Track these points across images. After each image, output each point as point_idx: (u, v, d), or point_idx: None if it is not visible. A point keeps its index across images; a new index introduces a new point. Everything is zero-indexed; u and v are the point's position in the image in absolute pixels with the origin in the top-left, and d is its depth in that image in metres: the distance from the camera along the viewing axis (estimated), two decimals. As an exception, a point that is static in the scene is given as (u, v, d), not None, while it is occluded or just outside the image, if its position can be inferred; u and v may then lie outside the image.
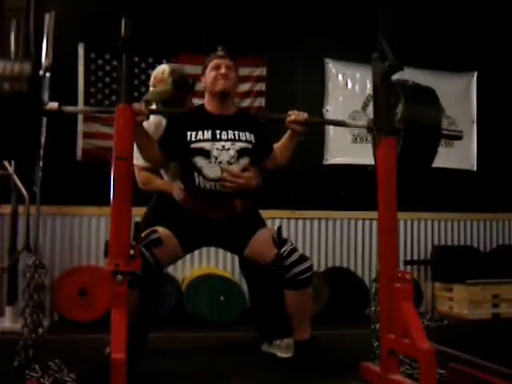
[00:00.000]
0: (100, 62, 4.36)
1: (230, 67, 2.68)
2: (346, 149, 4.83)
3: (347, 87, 4.90)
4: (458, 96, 5.13)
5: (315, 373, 2.57)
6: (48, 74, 3.66)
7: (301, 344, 2.69)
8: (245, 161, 2.64)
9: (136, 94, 4.31)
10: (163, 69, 2.98)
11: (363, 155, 4.62)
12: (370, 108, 2.70)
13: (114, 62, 4.28)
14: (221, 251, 4.40)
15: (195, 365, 2.77)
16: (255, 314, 3.08)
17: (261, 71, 4.64)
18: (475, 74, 5.17)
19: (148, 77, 4.40)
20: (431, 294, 4.66)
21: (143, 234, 2.52)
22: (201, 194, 2.62)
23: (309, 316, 2.72)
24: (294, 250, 2.65)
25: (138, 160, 2.79)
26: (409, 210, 4.60)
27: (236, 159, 2.61)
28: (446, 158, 4.79)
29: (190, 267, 4.38)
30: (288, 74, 4.64)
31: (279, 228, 2.69)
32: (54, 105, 2.31)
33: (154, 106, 3.01)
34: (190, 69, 4.49)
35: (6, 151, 2.32)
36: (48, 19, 3.73)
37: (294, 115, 2.65)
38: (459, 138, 2.69)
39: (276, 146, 2.79)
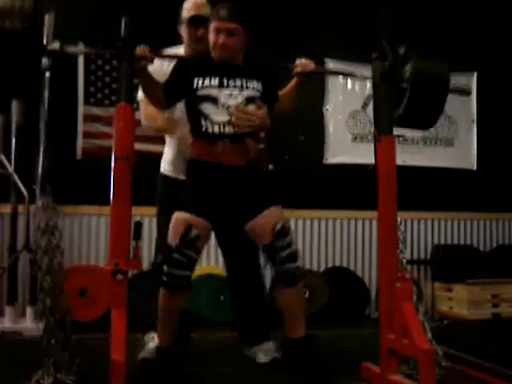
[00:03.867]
0: (100, 61, 4.36)
1: (232, 31, 2.49)
2: (345, 148, 4.83)
3: (347, 87, 4.90)
4: (458, 96, 5.12)
5: (315, 373, 2.56)
6: (48, 74, 3.66)
7: (293, 343, 2.55)
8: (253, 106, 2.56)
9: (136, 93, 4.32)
10: None
11: (363, 154, 4.64)
12: (370, 107, 2.70)
13: (114, 62, 4.27)
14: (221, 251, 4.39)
15: (195, 365, 2.76)
16: (238, 318, 3.05)
17: (261, 71, 4.63)
18: (475, 74, 5.17)
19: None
20: (431, 294, 4.65)
21: (180, 235, 2.41)
22: (208, 138, 2.50)
23: (301, 313, 2.57)
24: (288, 245, 2.48)
25: None
26: (409, 210, 4.60)
27: (244, 106, 2.53)
28: (446, 157, 4.80)
29: (189, 267, 4.37)
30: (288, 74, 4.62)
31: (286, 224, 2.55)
32: (55, 44, 2.28)
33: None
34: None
35: (8, 89, 2.25)
36: (48, 19, 3.73)
37: (301, 64, 2.67)
38: (467, 92, 2.63)
39: (281, 93, 2.75)
